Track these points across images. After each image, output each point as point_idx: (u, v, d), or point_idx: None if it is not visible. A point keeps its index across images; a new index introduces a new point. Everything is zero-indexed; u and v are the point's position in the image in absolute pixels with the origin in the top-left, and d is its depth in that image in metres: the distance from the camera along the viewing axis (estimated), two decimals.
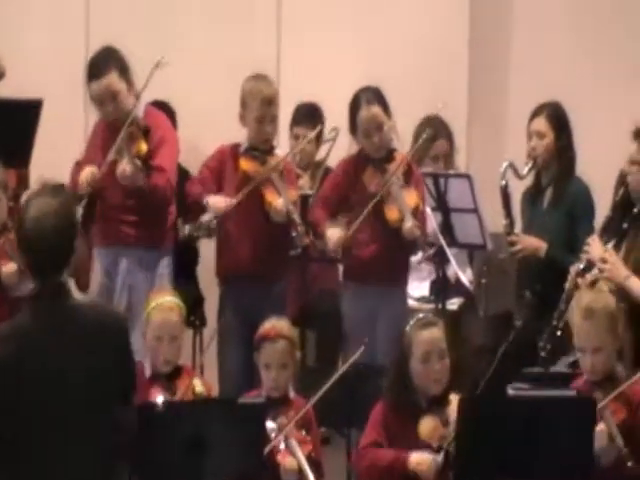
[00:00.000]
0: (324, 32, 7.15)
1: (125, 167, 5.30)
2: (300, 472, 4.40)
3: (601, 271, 5.02)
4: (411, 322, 4.43)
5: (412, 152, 5.62)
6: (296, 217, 5.38)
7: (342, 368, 4.55)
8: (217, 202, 5.43)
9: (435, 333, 4.38)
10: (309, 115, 6.52)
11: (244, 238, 5.50)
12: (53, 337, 3.35)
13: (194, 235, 5.96)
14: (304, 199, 5.74)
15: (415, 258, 5.74)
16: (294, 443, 4.40)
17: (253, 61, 6.38)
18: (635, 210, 5.09)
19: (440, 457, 4.23)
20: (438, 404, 4.34)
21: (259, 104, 5.47)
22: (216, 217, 5.45)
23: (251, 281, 5.47)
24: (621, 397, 4.31)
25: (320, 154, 6.58)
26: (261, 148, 5.53)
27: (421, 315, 4.48)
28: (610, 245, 5.07)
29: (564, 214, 5.79)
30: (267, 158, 5.50)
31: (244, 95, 5.54)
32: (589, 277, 5.03)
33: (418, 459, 4.27)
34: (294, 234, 5.36)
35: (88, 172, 5.38)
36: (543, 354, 5.07)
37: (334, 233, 5.42)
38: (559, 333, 5.06)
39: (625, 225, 5.10)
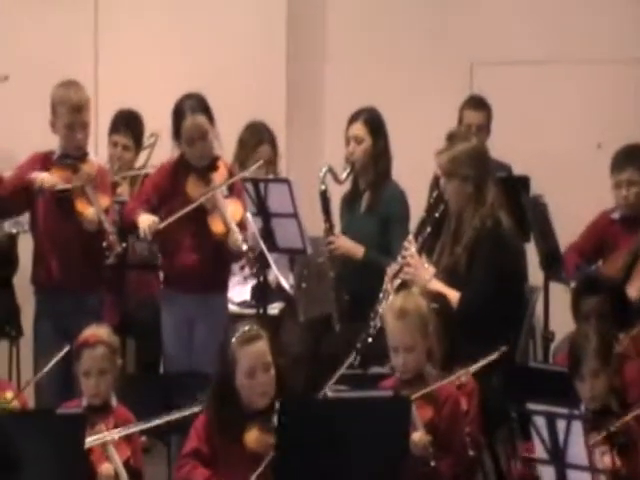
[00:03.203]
0: (143, 37, 7.11)
1: None
2: (117, 478, 4.37)
3: (406, 274, 5.18)
4: (234, 336, 4.34)
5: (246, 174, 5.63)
6: (108, 226, 5.32)
7: None
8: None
9: (259, 347, 4.33)
10: (127, 122, 6.47)
11: (56, 249, 5.45)
12: None
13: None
14: (123, 206, 5.68)
15: (241, 272, 5.76)
16: (112, 449, 4.36)
17: (70, 67, 6.30)
18: (437, 214, 5.26)
19: None
20: (264, 413, 4.32)
21: (68, 111, 5.41)
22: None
23: (65, 292, 5.42)
24: (428, 396, 4.43)
25: (139, 161, 6.54)
26: (73, 155, 5.48)
27: (245, 328, 4.39)
28: (414, 249, 5.22)
29: (380, 218, 5.91)
30: (79, 166, 5.45)
31: (54, 102, 5.46)
32: (396, 282, 5.18)
33: None
34: (104, 244, 5.30)
35: None
36: (354, 361, 5.16)
37: (146, 219, 5.37)
38: (370, 338, 5.18)
39: (429, 228, 5.26)
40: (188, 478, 4.32)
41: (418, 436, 4.31)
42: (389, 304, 4.68)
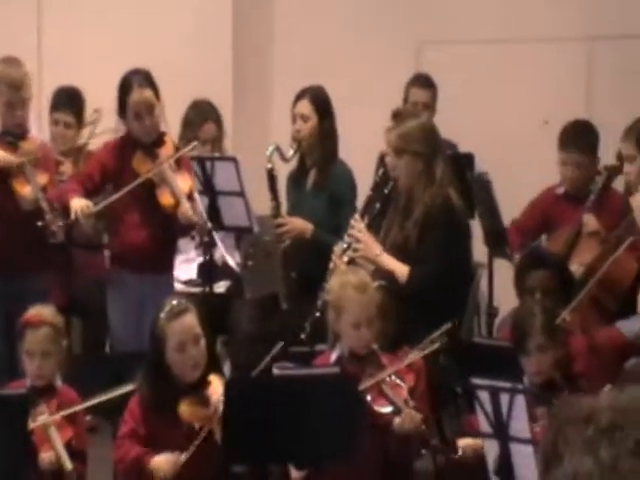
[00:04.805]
0: (86, 14, 7.05)
1: None
2: (58, 460, 4.34)
3: (355, 250, 5.19)
4: (163, 311, 4.33)
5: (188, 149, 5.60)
6: (45, 205, 5.28)
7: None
8: None
9: (188, 320, 4.32)
10: (68, 99, 6.41)
11: None
12: None
13: None
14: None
15: (189, 245, 5.73)
16: (53, 431, 4.33)
17: (12, 43, 6.24)
18: (386, 191, 5.27)
19: (184, 456, 4.20)
20: (197, 386, 4.33)
21: (8, 88, 5.36)
22: None
23: (8, 274, 5.37)
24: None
25: (82, 138, 6.49)
26: (14, 133, 5.42)
27: (173, 302, 4.39)
28: (363, 225, 5.23)
29: (327, 196, 5.90)
30: (20, 143, 5.40)
31: None
32: (345, 257, 5.19)
33: (157, 462, 4.23)
34: (40, 223, 5.25)
35: None
36: (303, 335, 5.17)
37: (78, 202, 5.31)
38: (318, 313, 5.18)
39: (378, 205, 5.27)
40: (124, 457, 4.31)
41: (408, 415, 4.29)
42: (342, 280, 4.61)
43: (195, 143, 5.63)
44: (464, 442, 4.29)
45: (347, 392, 4.19)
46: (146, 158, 5.41)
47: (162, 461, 4.22)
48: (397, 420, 4.33)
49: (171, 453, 4.23)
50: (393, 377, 4.41)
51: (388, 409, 4.37)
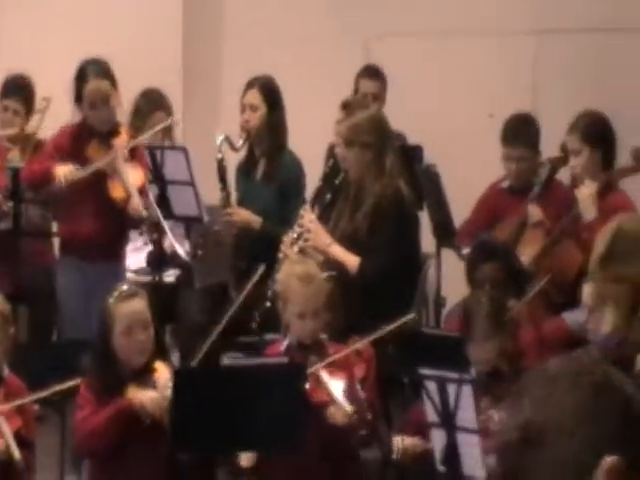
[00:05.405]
0: (37, 2, 6.99)
1: None
2: (7, 450, 4.32)
3: (306, 240, 5.21)
4: (112, 295, 4.34)
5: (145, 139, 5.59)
6: None
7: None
8: None
9: (136, 304, 4.33)
10: (18, 87, 6.37)
11: None
12: None
13: None
14: (15, 172, 5.61)
15: (140, 238, 5.73)
16: (2, 421, 4.31)
17: None
18: (337, 181, 5.29)
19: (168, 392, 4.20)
20: (143, 372, 4.34)
21: None
22: None
23: None
24: (337, 362, 4.46)
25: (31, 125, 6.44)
26: None
27: (123, 287, 4.41)
28: (313, 215, 5.26)
29: (277, 186, 5.91)
30: None
31: None
32: (296, 247, 5.21)
33: (140, 395, 4.22)
34: None
35: None
36: (254, 325, 5.19)
37: (62, 167, 5.28)
38: (268, 303, 5.20)
39: (328, 196, 5.30)
40: (94, 424, 4.25)
41: (340, 409, 4.31)
42: (289, 270, 4.64)
43: (146, 138, 5.60)
44: (407, 442, 4.30)
45: (294, 382, 4.21)
46: (100, 147, 5.42)
47: (147, 397, 4.20)
48: (329, 410, 4.35)
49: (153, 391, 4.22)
50: (331, 368, 4.42)
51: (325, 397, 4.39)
